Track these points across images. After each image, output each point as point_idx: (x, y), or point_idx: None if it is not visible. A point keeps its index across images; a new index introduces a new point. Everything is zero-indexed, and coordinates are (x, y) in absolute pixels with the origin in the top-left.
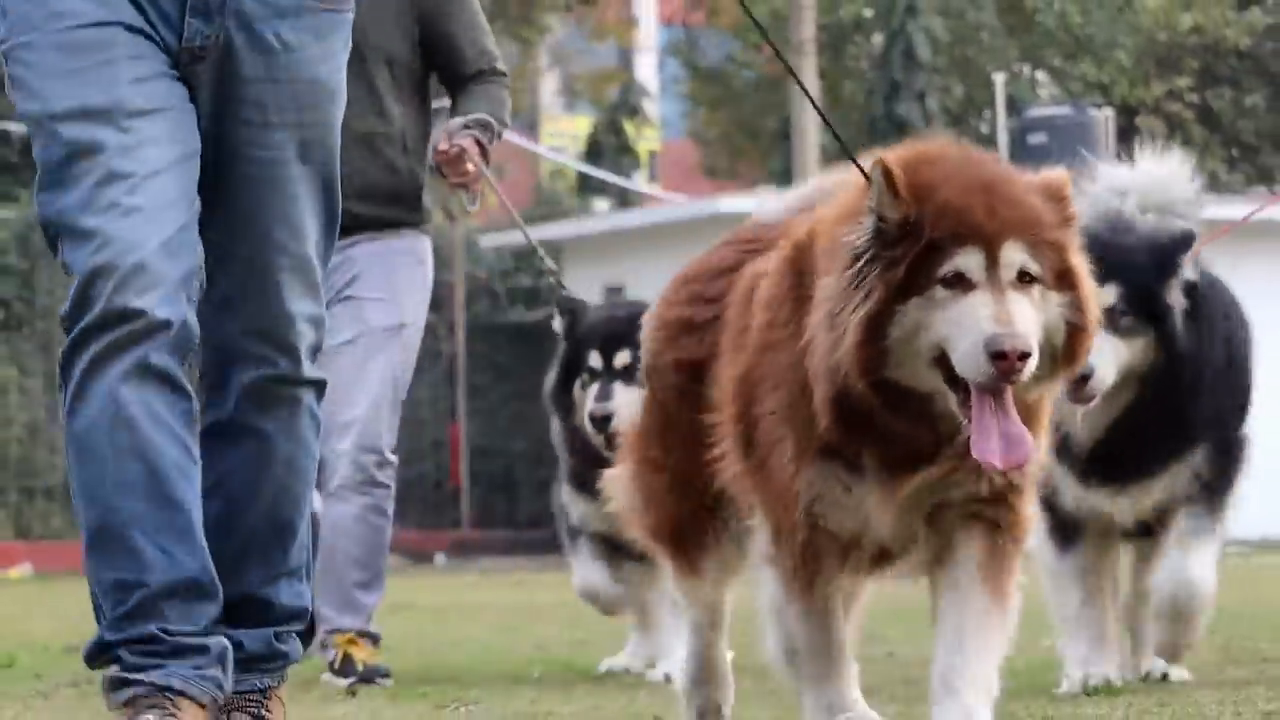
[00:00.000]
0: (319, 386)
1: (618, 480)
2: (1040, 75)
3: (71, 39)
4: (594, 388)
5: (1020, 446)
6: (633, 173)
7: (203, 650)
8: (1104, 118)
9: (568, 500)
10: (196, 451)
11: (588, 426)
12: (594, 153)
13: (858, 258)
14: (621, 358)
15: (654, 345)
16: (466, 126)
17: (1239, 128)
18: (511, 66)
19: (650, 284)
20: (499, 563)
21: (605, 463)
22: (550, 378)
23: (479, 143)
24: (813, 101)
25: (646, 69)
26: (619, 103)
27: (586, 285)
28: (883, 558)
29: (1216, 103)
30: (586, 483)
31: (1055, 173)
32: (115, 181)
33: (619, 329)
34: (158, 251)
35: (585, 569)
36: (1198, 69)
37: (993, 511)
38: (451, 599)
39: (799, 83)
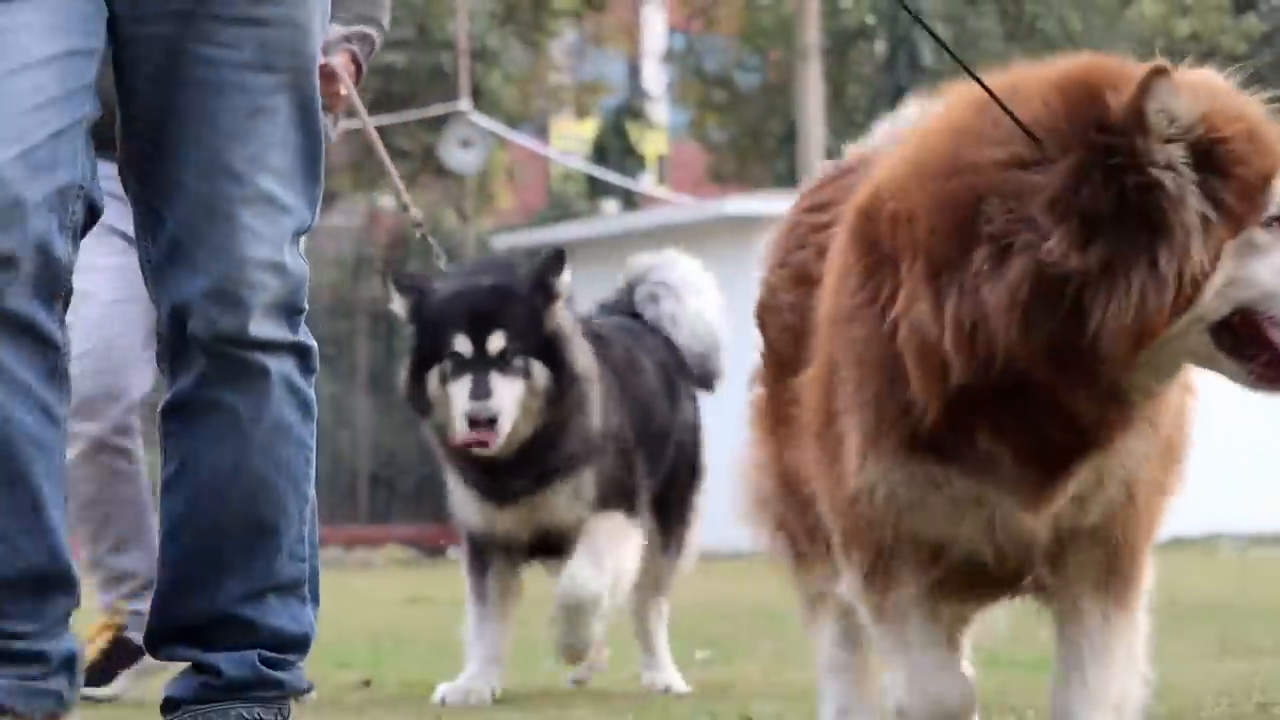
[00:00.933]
0: (297, 353)
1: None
2: None
3: None
4: (464, 381)
5: None
6: (638, 175)
7: (39, 658)
8: None
9: (461, 508)
10: (61, 411)
11: (464, 430)
12: (600, 156)
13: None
14: (496, 340)
15: (773, 282)
16: (346, 39)
17: None
18: (522, 71)
19: None
20: None
21: (494, 462)
22: (403, 371)
23: (355, 58)
24: (932, 33)
25: (654, 74)
26: (622, 107)
27: (597, 284)
28: (998, 581)
29: None
30: (482, 485)
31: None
32: None
33: (488, 304)
34: (13, 164)
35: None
36: None
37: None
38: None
39: (920, 21)
